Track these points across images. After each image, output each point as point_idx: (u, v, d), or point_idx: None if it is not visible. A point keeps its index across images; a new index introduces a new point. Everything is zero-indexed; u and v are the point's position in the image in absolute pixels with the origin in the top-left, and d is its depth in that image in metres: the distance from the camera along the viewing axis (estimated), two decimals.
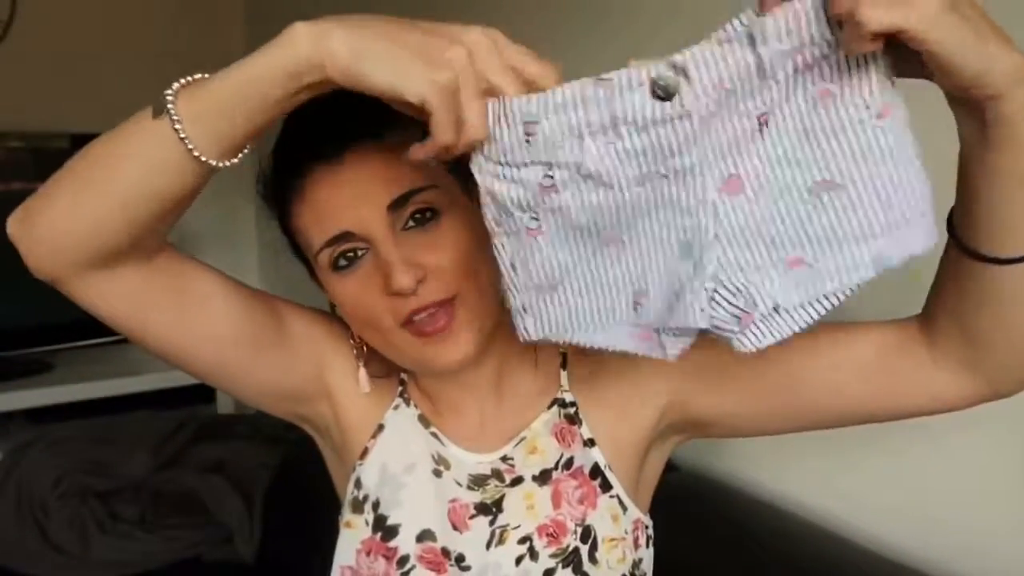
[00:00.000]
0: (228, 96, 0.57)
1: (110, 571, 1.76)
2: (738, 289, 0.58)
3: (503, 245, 0.62)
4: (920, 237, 0.55)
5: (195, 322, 0.73)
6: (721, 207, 0.56)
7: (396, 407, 0.85)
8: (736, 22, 0.51)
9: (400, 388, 0.86)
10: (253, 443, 2.01)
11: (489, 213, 0.61)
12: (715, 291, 0.58)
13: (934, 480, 1.02)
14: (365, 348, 0.82)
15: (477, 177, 0.59)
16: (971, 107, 0.52)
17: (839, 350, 0.73)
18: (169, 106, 0.58)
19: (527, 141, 0.56)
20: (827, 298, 0.58)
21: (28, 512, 1.77)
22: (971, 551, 0.99)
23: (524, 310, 0.64)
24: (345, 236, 0.71)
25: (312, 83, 0.56)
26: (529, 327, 0.65)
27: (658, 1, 1.30)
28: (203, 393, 2.29)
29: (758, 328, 0.58)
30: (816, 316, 0.58)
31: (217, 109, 0.57)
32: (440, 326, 0.72)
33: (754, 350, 0.59)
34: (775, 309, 0.58)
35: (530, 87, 0.55)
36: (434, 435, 0.84)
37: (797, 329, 0.59)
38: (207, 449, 1.97)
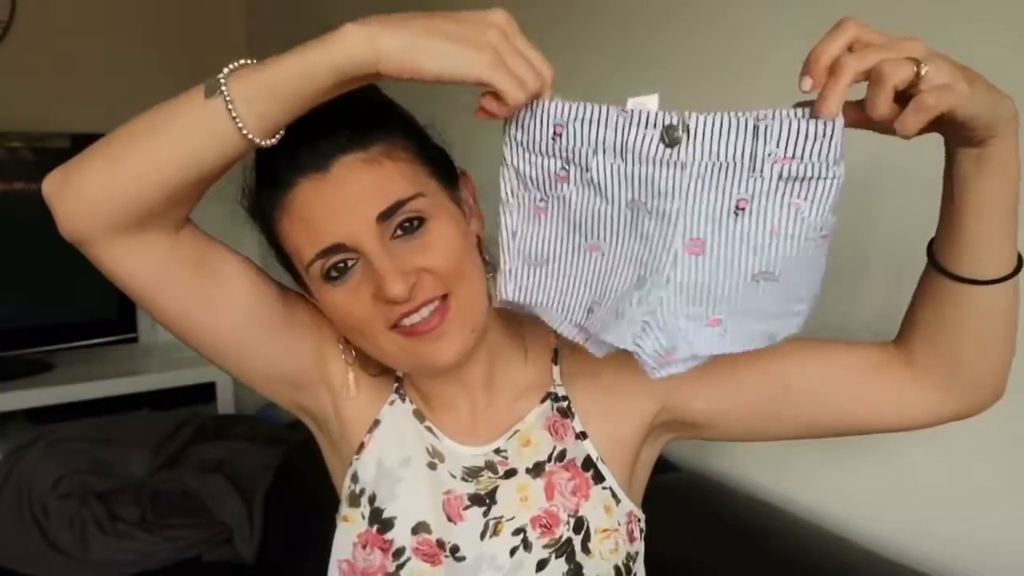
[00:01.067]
0: (280, 83, 0.61)
1: (110, 571, 1.76)
2: (666, 331, 0.67)
3: (510, 213, 0.69)
4: (796, 325, 0.69)
5: (211, 295, 0.74)
6: (681, 259, 0.65)
7: (392, 403, 0.86)
8: (752, 113, 0.60)
9: (396, 384, 0.87)
10: (253, 443, 2.02)
11: (507, 184, 0.69)
12: (647, 324, 0.67)
13: (932, 479, 1.02)
14: (354, 352, 0.83)
15: (506, 154, 0.67)
16: (973, 147, 0.62)
17: (830, 365, 0.78)
18: (223, 87, 0.61)
19: (553, 139, 0.64)
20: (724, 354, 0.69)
21: (28, 512, 1.78)
22: (969, 550, 0.99)
23: (509, 274, 0.72)
24: (336, 248, 0.72)
25: (361, 76, 0.61)
26: (509, 289, 0.72)
27: (653, 3, 1.30)
28: (203, 393, 2.30)
29: (671, 367, 0.68)
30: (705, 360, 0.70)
31: (269, 94, 0.62)
32: (433, 324, 0.73)
33: (659, 377, 0.69)
34: (691, 357, 0.68)
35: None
36: (429, 429, 0.85)
37: (694, 365, 0.69)
38: (207, 449, 1.97)
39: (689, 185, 0.62)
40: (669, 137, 0.61)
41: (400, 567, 0.80)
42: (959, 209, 0.65)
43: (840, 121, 0.58)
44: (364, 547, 0.82)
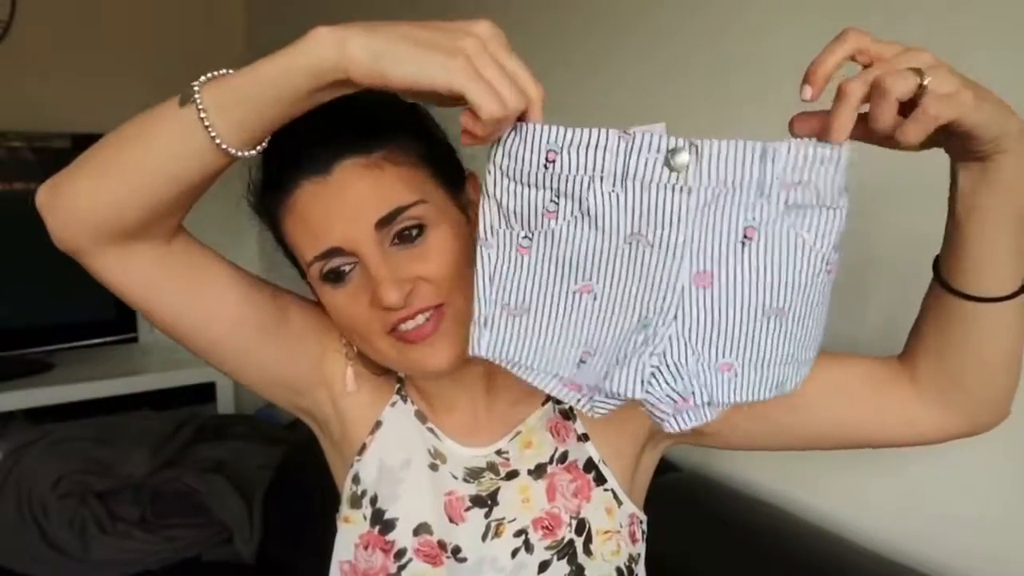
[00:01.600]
0: (252, 90, 0.59)
1: (110, 571, 1.76)
2: (679, 374, 0.61)
3: (488, 256, 0.63)
4: (800, 377, 0.66)
5: (201, 304, 0.75)
6: (688, 293, 0.60)
7: (394, 404, 0.86)
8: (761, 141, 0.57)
9: (398, 386, 0.87)
10: (253, 443, 2.02)
11: (486, 220, 0.62)
12: (657, 368, 0.61)
13: (932, 479, 1.02)
14: (355, 349, 0.83)
15: (487, 184, 0.61)
16: (979, 162, 0.60)
17: (836, 378, 0.77)
18: (196, 96, 0.60)
19: (544, 167, 0.59)
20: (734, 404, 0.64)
21: (28, 512, 1.78)
22: (969, 550, 0.99)
23: (484, 324, 0.65)
24: (334, 251, 0.72)
25: (334, 83, 0.58)
26: (483, 342, 0.65)
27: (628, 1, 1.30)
28: (203, 393, 2.30)
29: (688, 415, 0.62)
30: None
31: (241, 101, 0.60)
32: (425, 332, 0.73)
33: (677, 431, 0.63)
34: (707, 403, 0.63)
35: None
36: (430, 430, 0.85)
37: (712, 414, 0.63)
38: (207, 449, 1.97)
39: (696, 212, 0.58)
40: (675, 161, 0.57)
41: (402, 568, 0.80)
42: (965, 227, 0.63)
43: (847, 146, 0.57)
44: (366, 548, 0.82)
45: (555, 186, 0.59)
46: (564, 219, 0.60)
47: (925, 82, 0.54)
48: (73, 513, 1.77)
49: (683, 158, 0.57)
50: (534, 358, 0.65)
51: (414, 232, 0.72)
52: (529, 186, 0.60)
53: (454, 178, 0.78)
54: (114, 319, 2.26)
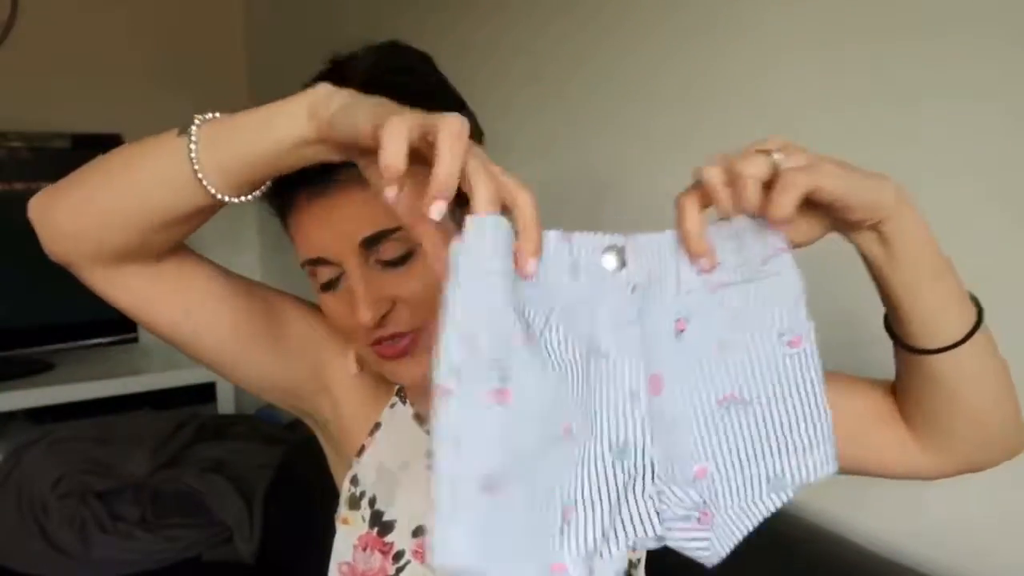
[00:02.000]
0: (241, 130, 0.59)
1: (110, 571, 1.76)
2: (687, 490, 0.53)
3: (449, 410, 0.45)
4: (818, 464, 0.57)
5: (195, 316, 0.75)
6: (650, 405, 0.52)
7: (392, 406, 0.87)
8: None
9: (397, 387, 0.87)
10: (253, 443, 2.02)
11: (447, 359, 0.46)
12: (662, 492, 0.52)
13: (933, 480, 1.02)
14: None
15: (448, 308, 0.47)
16: (871, 232, 0.59)
17: (848, 400, 0.73)
18: (192, 127, 0.60)
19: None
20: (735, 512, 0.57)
21: (28, 512, 1.78)
22: (969, 552, 0.99)
23: (450, 521, 0.45)
24: (321, 260, 0.74)
25: (311, 140, 0.56)
26: (461, 545, 0.44)
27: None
28: (203, 393, 2.30)
29: (729, 533, 0.55)
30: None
31: (228, 141, 0.59)
32: (400, 348, 0.74)
33: (717, 560, 0.55)
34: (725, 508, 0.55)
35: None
36: (429, 432, 0.84)
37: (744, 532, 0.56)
38: (207, 449, 1.97)
39: (640, 310, 0.52)
40: (603, 262, 0.52)
41: (400, 570, 0.81)
42: (892, 294, 0.62)
43: (741, 220, 0.53)
44: (364, 550, 0.82)
45: (539, 301, 0.50)
46: (543, 334, 0.50)
47: (776, 157, 0.53)
48: (73, 513, 1.77)
49: (609, 261, 0.52)
50: (514, 548, 0.47)
51: (399, 257, 0.73)
52: (503, 302, 0.47)
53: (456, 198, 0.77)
54: (114, 319, 2.25)
